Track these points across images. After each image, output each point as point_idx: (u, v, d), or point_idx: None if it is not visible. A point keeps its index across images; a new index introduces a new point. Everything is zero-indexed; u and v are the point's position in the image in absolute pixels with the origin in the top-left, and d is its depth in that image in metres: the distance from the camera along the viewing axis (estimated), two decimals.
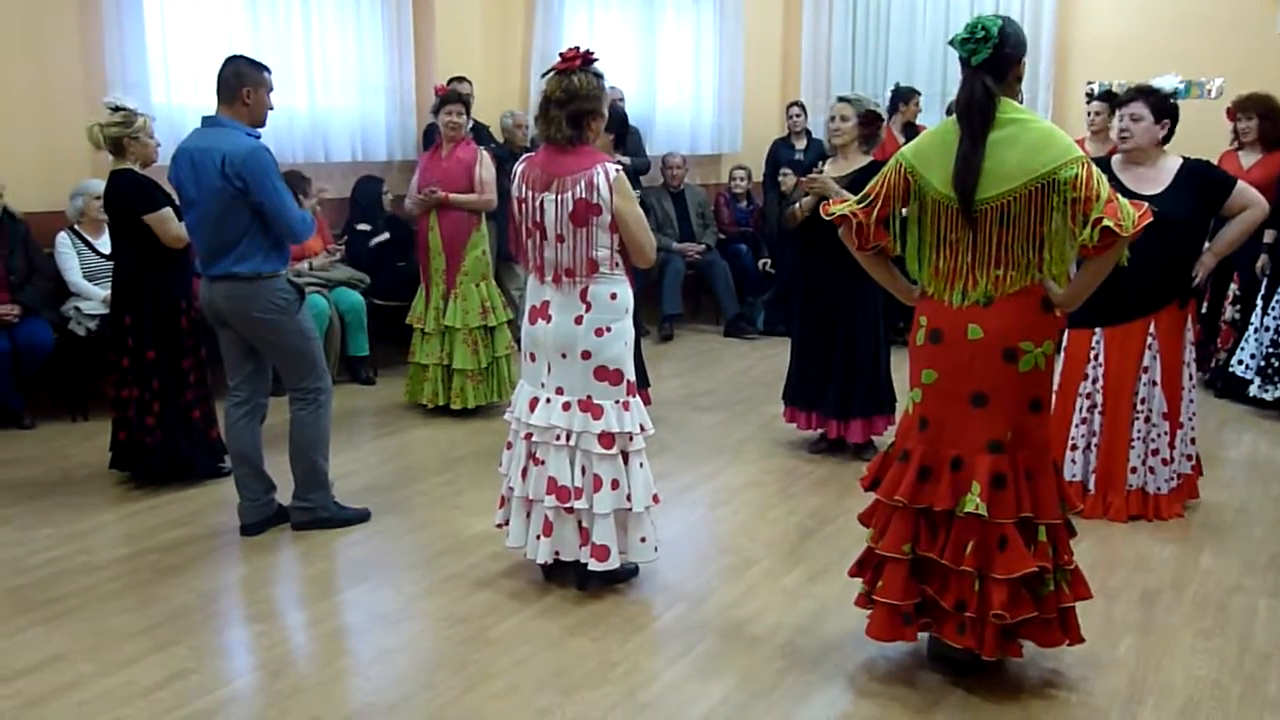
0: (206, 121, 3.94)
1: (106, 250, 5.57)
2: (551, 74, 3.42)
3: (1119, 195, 2.73)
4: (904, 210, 2.96)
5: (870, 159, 4.90)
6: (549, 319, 3.49)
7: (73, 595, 3.63)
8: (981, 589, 2.84)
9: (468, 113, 5.72)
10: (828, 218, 3.03)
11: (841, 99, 4.94)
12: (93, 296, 5.50)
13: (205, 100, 6.08)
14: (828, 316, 4.98)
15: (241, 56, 3.99)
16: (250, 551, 4.02)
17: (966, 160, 2.77)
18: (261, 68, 3.96)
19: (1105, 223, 2.65)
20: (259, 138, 3.93)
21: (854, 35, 9.50)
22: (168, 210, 4.43)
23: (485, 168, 5.68)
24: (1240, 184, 4.16)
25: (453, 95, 5.70)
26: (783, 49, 9.76)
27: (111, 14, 5.65)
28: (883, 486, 3.01)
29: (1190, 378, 4.37)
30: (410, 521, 4.32)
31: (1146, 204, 2.76)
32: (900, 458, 2.99)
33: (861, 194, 2.99)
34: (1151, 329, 4.22)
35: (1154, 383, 4.24)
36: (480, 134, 7.05)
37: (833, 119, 4.88)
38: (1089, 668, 3.14)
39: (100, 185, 5.49)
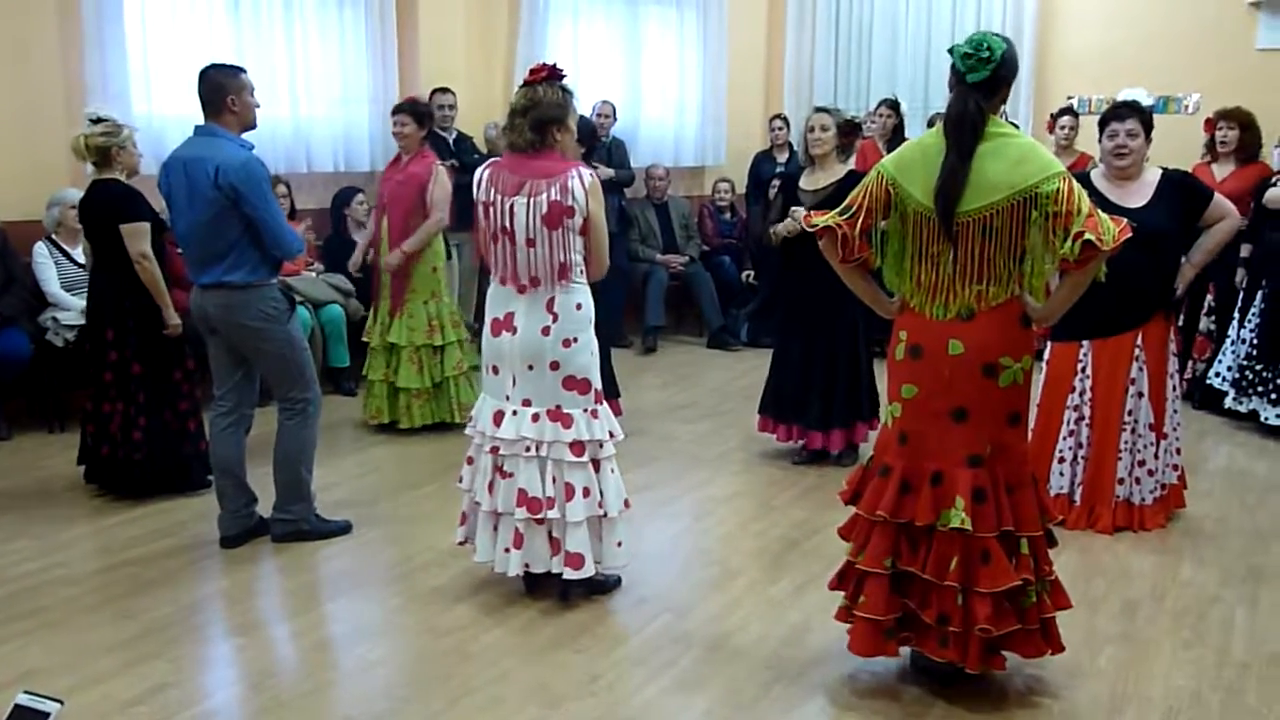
0: (199, 130, 3.93)
1: (84, 260, 5.54)
2: (520, 88, 3.49)
3: (1099, 210, 2.76)
4: (884, 223, 2.97)
5: (849, 168, 4.93)
6: (514, 330, 3.49)
7: (50, 608, 3.59)
8: (965, 603, 2.85)
9: (419, 123, 5.46)
10: (810, 229, 3.03)
11: (819, 109, 4.97)
12: (70, 307, 5.46)
13: (187, 110, 6.05)
14: (808, 329, 5.00)
15: (213, 66, 3.95)
16: (230, 564, 3.99)
17: (952, 174, 2.79)
18: (237, 70, 3.94)
19: (1086, 236, 2.67)
20: (252, 147, 3.93)
21: (837, 48, 9.54)
22: (145, 226, 4.40)
23: (439, 186, 5.43)
24: (1216, 195, 4.24)
25: (400, 105, 5.54)
26: (766, 61, 9.80)
27: (92, 23, 5.62)
28: (863, 501, 3.01)
29: (1174, 389, 4.41)
30: (391, 534, 4.30)
31: (1126, 220, 2.78)
32: (881, 472, 2.99)
33: (843, 205, 2.99)
34: (1138, 340, 4.25)
35: (1140, 394, 4.28)
36: (463, 145, 7.05)
37: (812, 130, 4.89)
38: (1070, 678, 3.15)
39: (75, 194, 5.44)
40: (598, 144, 7.56)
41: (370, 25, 6.90)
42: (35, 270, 5.52)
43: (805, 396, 5.04)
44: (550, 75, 3.45)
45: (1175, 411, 4.42)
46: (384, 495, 4.73)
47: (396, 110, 5.53)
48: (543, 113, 3.40)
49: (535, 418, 3.47)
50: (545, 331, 3.44)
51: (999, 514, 2.86)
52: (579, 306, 3.47)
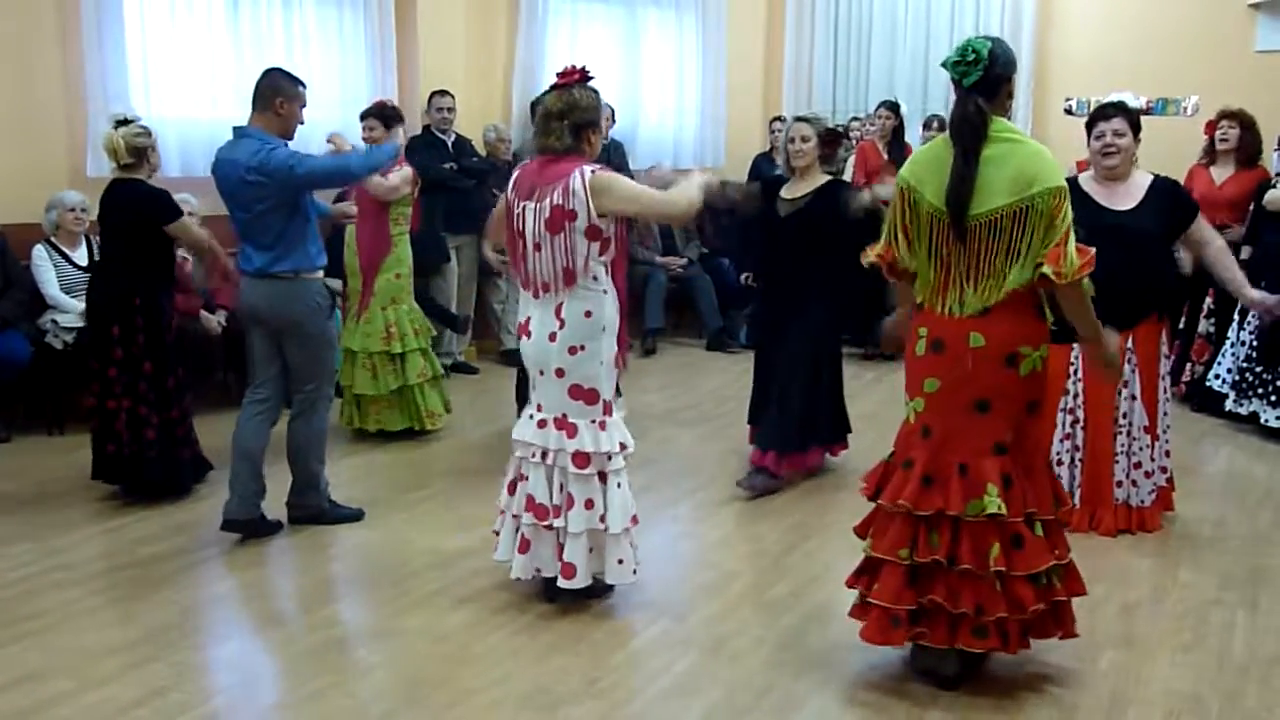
0: (237, 132, 4.05)
1: (83, 263, 5.55)
2: (550, 91, 3.45)
3: (1070, 240, 2.81)
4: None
5: (829, 177, 4.77)
6: (530, 335, 3.50)
7: (50, 611, 3.59)
8: (1005, 588, 2.89)
9: (387, 125, 5.37)
10: (866, 265, 3.12)
11: (800, 119, 4.82)
12: (70, 310, 5.45)
13: (186, 112, 6.09)
14: (773, 338, 4.84)
15: (280, 70, 4.12)
16: (231, 566, 3.99)
17: (960, 177, 2.86)
18: (297, 82, 4.09)
19: (1044, 269, 2.79)
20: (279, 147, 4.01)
21: (835, 50, 9.56)
22: (186, 220, 4.53)
23: (397, 174, 5.25)
24: (1200, 217, 4.22)
25: (369, 110, 5.47)
26: (765, 63, 9.81)
27: (92, 26, 5.63)
28: (885, 493, 3.05)
29: (1165, 390, 4.42)
30: (391, 537, 4.29)
31: (1093, 250, 2.83)
32: (904, 465, 3.03)
33: (884, 231, 3.08)
34: (1130, 343, 4.25)
35: (1133, 397, 4.28)
36: (462, 148, 7.05)
37: (792, 140, 4.73)
38: (1070, 680, 3.16)
39: (74, 196, 5.49)
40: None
41: (369, 28, 6.91)
42: (34, 273, 5.52)
43: (764, 410, 4.85)
44: (582, 78, 3.44)
45: (1166, 414, 4.43)
46: (380, 499, 4.72)
47: (365, 115, 5.47)
48: (581, 116, 3.39)
49: (542, 424, 3.47)
50: (552, 338, 3.43)
51: (1024, 498, 2.92)
52: (588, 314, 3.41)
